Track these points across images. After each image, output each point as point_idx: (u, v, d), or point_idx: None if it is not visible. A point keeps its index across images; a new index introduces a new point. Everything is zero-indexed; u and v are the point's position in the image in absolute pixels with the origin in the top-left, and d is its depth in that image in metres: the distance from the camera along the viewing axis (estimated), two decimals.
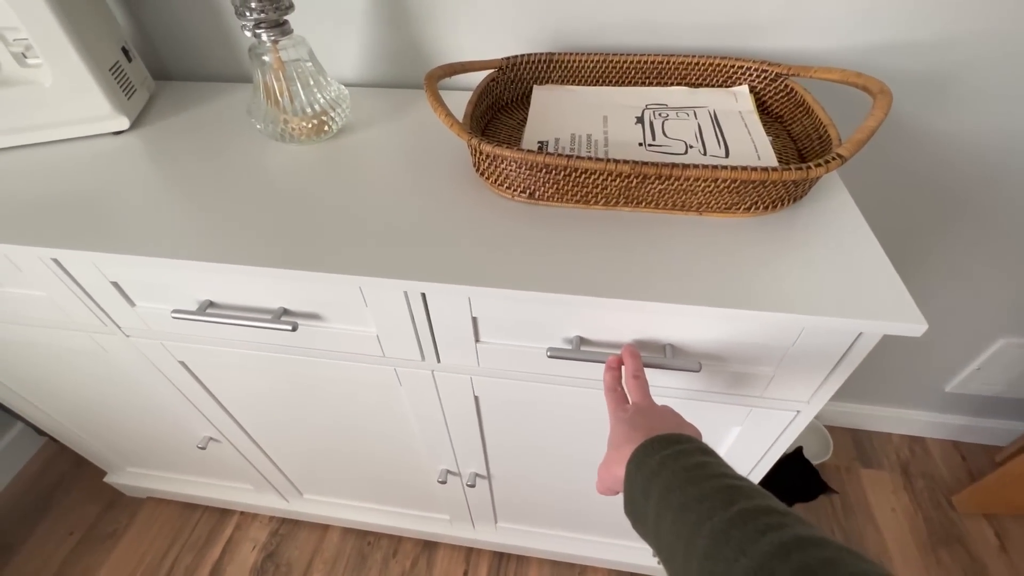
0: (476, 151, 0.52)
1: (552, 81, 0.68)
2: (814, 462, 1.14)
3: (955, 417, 1.22)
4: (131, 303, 0.60)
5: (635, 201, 0.51)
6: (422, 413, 0.69)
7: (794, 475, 1.12)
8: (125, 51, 0.70)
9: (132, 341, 0.66)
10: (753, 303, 0.43)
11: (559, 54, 0.66)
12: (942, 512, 1.15)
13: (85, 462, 1.28)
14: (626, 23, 0.67)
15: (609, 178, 0.48)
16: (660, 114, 0.60)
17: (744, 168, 0.45)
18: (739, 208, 0.50)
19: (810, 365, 0.49)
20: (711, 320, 0.47)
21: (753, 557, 0.26)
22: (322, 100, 0.63)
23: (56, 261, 0.55)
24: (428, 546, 1.11)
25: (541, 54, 0.66)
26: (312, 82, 0.62)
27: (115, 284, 0.58)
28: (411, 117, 0.70)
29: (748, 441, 0.61)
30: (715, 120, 0.58)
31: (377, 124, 0.69)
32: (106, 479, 1.15)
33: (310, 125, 0.63)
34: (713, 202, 0.50)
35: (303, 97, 0.62)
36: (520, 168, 0.50)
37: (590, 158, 0.46)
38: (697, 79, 0.65)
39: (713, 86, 0.65)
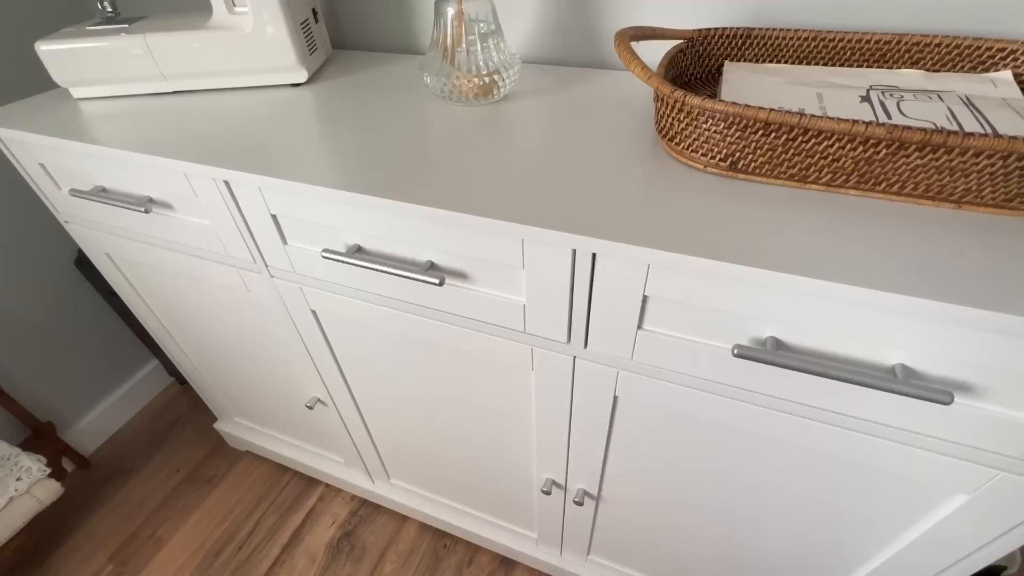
0: (673, 107, 0.46)
1: (746, 59, 0.60)
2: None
3: None
4: (284, 240, 0.60)
5: (872, 181, 0.41)
6: (546, 407, 0.62)
7: None
8: (314, 12, 0.74)
9: (274, 282, 0.67)
10: None
11: (759, 29, 0.58)
12: None
13: (200, 407, 1.36)
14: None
15: (850, 145, 0.39)
16: (891, 95, 0.50)
17: None
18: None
19: None
20: (968, 333, 0.35)
21: None
22: (496, 59, 0.60)
23: (227, 184, 0.57)
24: (506, 563, 1.02)
25: (738, 28, 0.59)
26: (490, 42, 0.60)
27: (274, 217, 0.58)
28: (578, 90, 0.65)
29: (971, 520, 0.47)
30: (971, 105, 0.47)
31: (542, 94, 0.65)
32: (215, 425, 1.21)
33: (481, 83, 0.60)
34: (986, 190, 0.39)
35: (479, 55, 0.60)
36: (729, 128, 0.43)
37: (831, 117, 0.38)
38: (935, 63, 0.54)
39: (957, 71, 0.53)
